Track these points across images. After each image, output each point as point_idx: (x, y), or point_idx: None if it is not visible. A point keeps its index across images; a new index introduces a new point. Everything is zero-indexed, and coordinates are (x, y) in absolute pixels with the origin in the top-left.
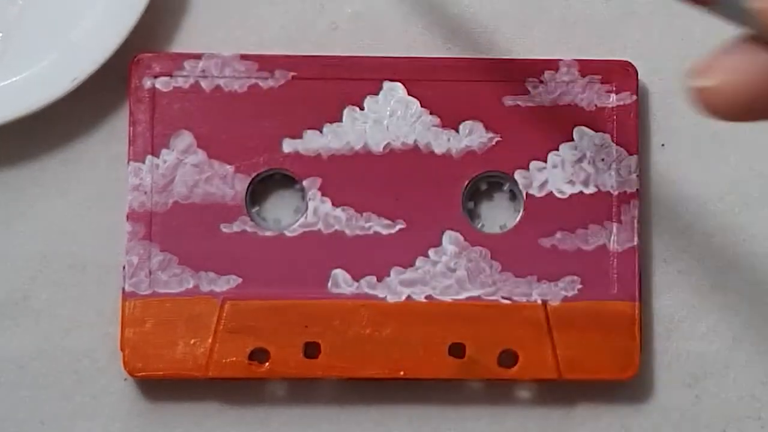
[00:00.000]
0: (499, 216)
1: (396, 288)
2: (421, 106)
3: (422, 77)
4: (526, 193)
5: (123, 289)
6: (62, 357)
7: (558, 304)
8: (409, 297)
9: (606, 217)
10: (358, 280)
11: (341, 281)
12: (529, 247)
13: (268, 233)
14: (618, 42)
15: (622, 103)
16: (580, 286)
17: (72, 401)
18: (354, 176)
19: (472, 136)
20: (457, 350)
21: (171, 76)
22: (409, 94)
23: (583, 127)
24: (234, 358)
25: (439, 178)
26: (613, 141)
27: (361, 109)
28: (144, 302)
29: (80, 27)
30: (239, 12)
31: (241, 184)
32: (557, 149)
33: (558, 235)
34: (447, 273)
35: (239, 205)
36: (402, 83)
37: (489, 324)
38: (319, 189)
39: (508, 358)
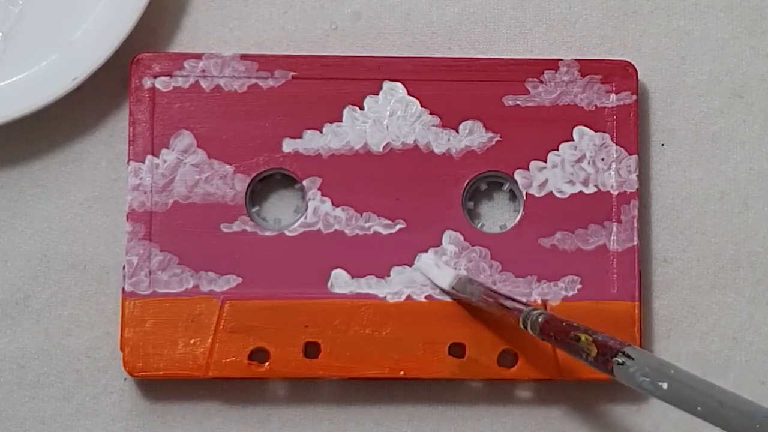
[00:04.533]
0: (499, 216)
1: (396, 288)
2: (421, 106)
3: (422, 77)
4: (526, 193)
5: (123, 289)
6: (63, 357)
7: (558, 304)
8: (409, 297)
9: (606, 217)
10: (358, 280)
11: (341, 281)
12: (529, 247)
13: (268, 233)
14: (618, 42)
15: (621, 103)
16: (579, 286)
17: (72, 401)
18: (354, 176)
19: (472, 136)
20: (457, 350)
21: (171, 76)
22: (409, 94)
23: (583, 127)
24: (234, 358)
25: (439, 178)
26: (612, 141)
27: (361, 109)
28: (144, 302)
29: (80, 27)
30: (239, 12)
31: (241, 184)
32: (557, 149)
33: (558, 235)
34: None
35: (239, 205)
36: (402, 83)
37: (489, 324)
38: (319, 189)
39: (507, 358)
